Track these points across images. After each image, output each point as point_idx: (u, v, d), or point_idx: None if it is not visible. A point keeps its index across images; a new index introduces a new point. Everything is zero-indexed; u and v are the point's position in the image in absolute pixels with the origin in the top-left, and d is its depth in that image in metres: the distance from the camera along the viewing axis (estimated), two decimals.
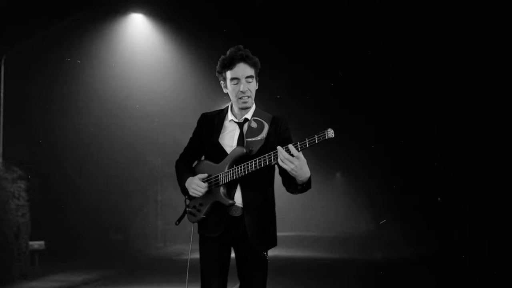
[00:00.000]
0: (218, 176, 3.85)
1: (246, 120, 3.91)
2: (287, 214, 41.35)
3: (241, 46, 3.87)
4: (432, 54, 15.99)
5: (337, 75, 18.38)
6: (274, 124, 3.87)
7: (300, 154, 3.44)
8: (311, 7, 15.34)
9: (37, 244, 13.48)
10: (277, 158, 3.51)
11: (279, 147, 3.48)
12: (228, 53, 3.87)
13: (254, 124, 3.88)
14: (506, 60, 14.56)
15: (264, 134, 3.84)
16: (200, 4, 15.98)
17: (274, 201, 3.95)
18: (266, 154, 3.61)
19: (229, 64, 3.84)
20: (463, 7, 14.17)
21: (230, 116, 3.94)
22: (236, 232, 3.87)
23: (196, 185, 3.87)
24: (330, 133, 3.33)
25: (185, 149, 4.14)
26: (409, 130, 19.84)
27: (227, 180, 3.81)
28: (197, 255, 4.01)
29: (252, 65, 3.86)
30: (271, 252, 4.02)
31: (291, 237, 32.11)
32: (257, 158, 3.66)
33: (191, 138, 4.12)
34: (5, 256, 12.07)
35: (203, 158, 4.07)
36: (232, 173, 3.78)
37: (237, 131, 3.90)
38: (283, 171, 3.72)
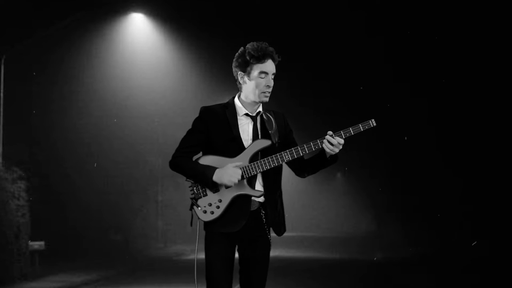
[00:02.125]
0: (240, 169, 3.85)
1: (258, 113, 3.99)
2: (288, 214, 40.88)
3: (267, 43, 3.97)
4: (432, 54, 15.97)
5: (338, 74, 18.35)
6: (278, 118, 4.04)
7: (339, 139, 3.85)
8: (312, 7, 15.32)
9: (37, 244, 13.44)
10: (322, 144, 3.83)
11: (328, 137, 3.83)
12: (255, 46, 3.92)
13: (265, 117, 3.99)
14: (507, 60, 14.54)
15: (275, 125, 3.99)
16: (200, 4, 15.96)
17: (282, 191, 4.11)
18: (312, 141, 3.85)
19: (262, 58, 3.90)
20: (463, 7, 14.16)
21: (243, 110, 3.96)
22: (251, 225, 3.89)
23: (234, 172, 3.81)
24: (373, 122, 3.84)
25: (183, 146, 3.96)
26: (410, 130, 19.83)
27: (254, 173, 3.84)
28: (198, 255, 3.97)
29: (276, 63, 3.99)
30: (272, 253, 4.03)
31: (291, 237, 32.06)
32: (288, 150, 3.85)
33: (191, 135, 3.97)
34: (5, 256, 12.05)
35: (201, 154, 4.01)
36: (261, 165, 3.84)
37: (251, 125, 3.95)
38: (298, 162, 3.98)
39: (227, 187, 3.84)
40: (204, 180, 3.85)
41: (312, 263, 18.27)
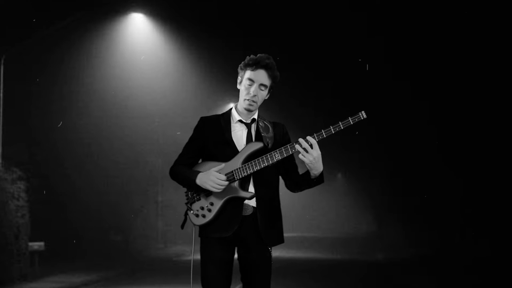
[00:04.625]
0: (232, 172, 3.82)
1: (253, 120, 3.99)
2: (288, 215, 41.27)
3: (270, 56, 3.97)
4: (433, 55, 15.95)
5: (339, 75, 18.34)
6: (277, 127, 4.03)
7: (317, 147, 3.70)
8: (312, 7, 15.30)
9: (37, 245, 13.41)
10: (300, 146, 3.70)
11: (300, 141, 3.68)
12: (254, 56, 3.96)
13: (262, 124, 3.99)
14: (507, 60, 14.52)
15: (271, 133, 3.97)
16: (200, 4, 15.95)
17: (280, 200, 4.02)
18: (290, 144, 3.78)
19: (253, 65, 3.92)
20: (463, 8, 14.14)
21: (237, 116, 3.99)
22: (245, 231, 3.86)
23: (216, 178, 3.79)
24: (363, 114, 3.70)
25: (182, 153, 4.06)
26: (411, 130, 19.82)
27: (245, 174, 3.80)
28: (197, 257, 3.94)
29: (271, 76, 3.96)
30: (272, 253, 3.97)
31: (292, 238, 32.07)
32: (278, 149, 3.77)
33: (189, 143, 4.06)
34: (4, 257, 12.02)
35: (200, 161, 4.03)
36: (251, 165, 3.80)
37: (245, 131, 3.96)
38: (286, 172, 3.96)
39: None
40: (189, 183, 3.91)
41: (313, 263, 18.25)
